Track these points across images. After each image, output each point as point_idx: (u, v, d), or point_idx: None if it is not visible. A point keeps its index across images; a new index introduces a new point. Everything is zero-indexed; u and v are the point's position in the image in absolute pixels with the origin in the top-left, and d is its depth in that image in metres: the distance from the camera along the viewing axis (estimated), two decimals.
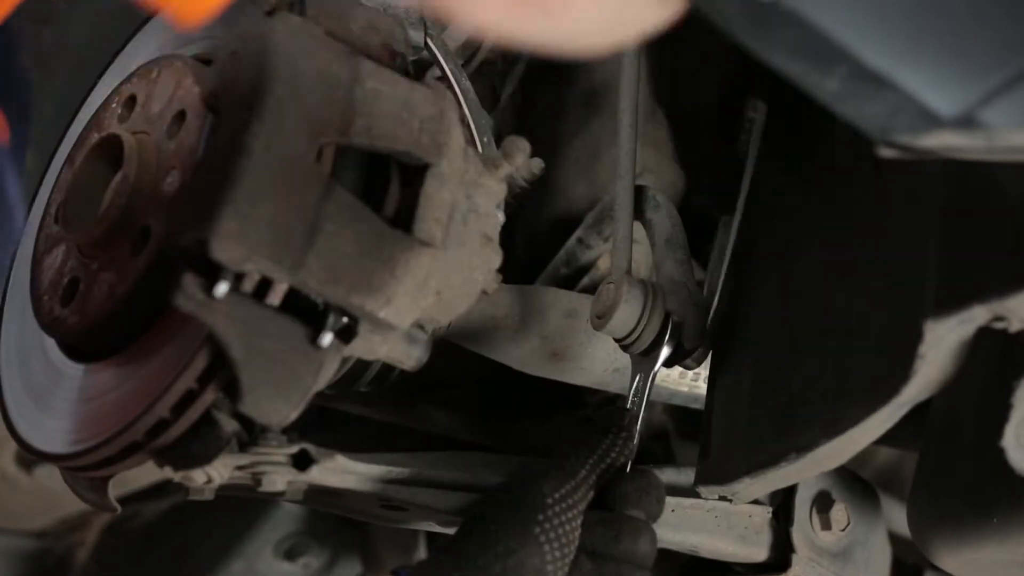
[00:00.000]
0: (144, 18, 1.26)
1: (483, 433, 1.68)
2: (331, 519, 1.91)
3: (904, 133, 0.72)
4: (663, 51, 1.51)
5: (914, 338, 0.92)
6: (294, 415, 0.96)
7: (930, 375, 0.94)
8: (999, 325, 0.89)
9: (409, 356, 1.02)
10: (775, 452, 1.09)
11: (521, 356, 1.36)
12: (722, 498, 1.19)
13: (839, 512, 1.31)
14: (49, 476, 1.87)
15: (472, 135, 1.15)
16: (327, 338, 0.96)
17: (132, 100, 1.12)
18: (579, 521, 1.09)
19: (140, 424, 0.98)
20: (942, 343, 0.91)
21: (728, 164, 1.32)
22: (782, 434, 1.10)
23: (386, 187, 1.01)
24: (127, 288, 1.02)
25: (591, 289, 1.40)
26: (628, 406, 1.20)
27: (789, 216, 1.20)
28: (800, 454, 1.05)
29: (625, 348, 1.22)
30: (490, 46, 1.39)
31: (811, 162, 1.19)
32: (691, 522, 1.27)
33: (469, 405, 1.68)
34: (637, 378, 1.21)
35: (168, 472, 1.03)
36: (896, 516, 1.47)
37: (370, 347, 0.99)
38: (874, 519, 1.35)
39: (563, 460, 1.12)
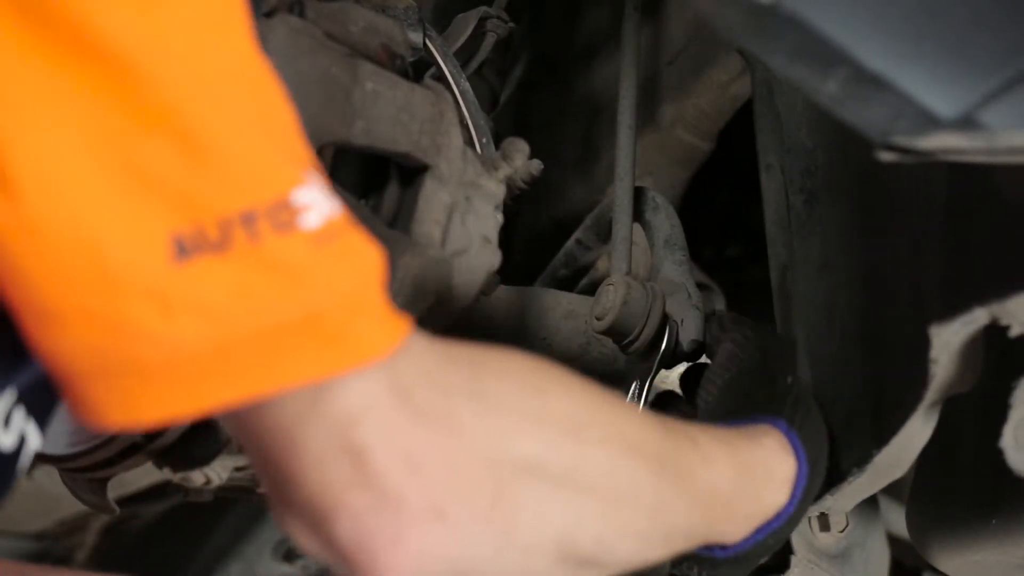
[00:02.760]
0: None
1: None
2: None
3: (904, 135, 0.72)
4: None
5: (924, 344, 0.92)
6: None
7: (948, 377, 0.95)
8: (1003, 323, 0.89)
9: None
10: (844, 467, 1.09)
11: None
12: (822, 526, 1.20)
13: (838, 514, 1.31)
14: (48, 478, 1.87)
15: (471, 136, 1.15)
16: None
17: None
18: None
19: None
20: (950, 346, 0.92)
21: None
22: (845, 449, 1.11)
23: (385, 188, 1.01)
24: None
25: (590, 290, 1.40)
26: None
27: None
28: (860, 467, 1.06)
29: (624, 349, 1.21)
30: (489, 47, 1.39)
31: None
32: None
33: None
34: (634, 385, 1.21)
35: (167, 473, 1.03)
36: (895, 518, 1.47)
37: None
38: (873, 521, 1.34)
39: None
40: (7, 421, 0.73)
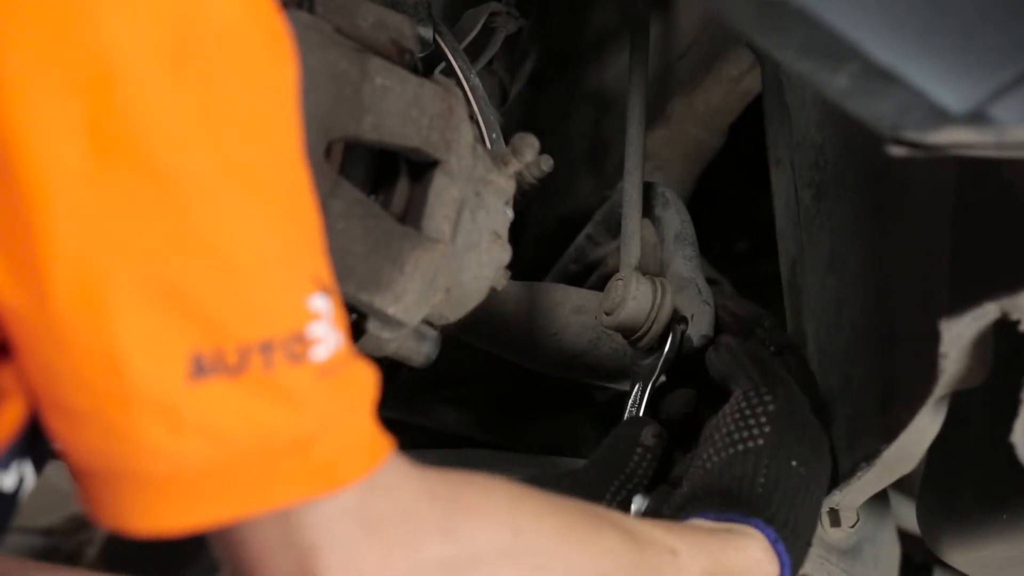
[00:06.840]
0: None
1: (491, 430, 1.68)
2: None
3: (914, 130, 0.72)
4: None
5: (934, 339, 0.92)
6: None
7: (957, 371, 0.95)
8: (1013, 318, 0.89)
9: (418, 353, 1.02)
10: (851, 463, 1.09)
11: (530, 353, 1.36)
12: (833, 521, 1.19)
13: (848, 509, 1.31)
14: (58, 473, 1.87)
15: (481, 132, 1.15)
16: None
17: None
18: None
19: None
20: (960, 341, 0.91)
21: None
22: (852, 444, 1.10)
23: (395, 184, 1.01)
24: None
25: (600, 286, 1.40)
26: (629, 407, 1.19)
27: None
28: (869, 463, 1.06)
29: (633, 344, 1.21)
30: (499, 43, 1.39)
31: None
32: None
33: (477, 402, 1.68)
34: (636, 388, 1.20)
35: None
36: (905, 513, 1.46)
37: (379, 344, 0.99)
38: (883, 516, 1.34)
39: (586, 480, 1.12)
40: (8, 464, 0.76)
